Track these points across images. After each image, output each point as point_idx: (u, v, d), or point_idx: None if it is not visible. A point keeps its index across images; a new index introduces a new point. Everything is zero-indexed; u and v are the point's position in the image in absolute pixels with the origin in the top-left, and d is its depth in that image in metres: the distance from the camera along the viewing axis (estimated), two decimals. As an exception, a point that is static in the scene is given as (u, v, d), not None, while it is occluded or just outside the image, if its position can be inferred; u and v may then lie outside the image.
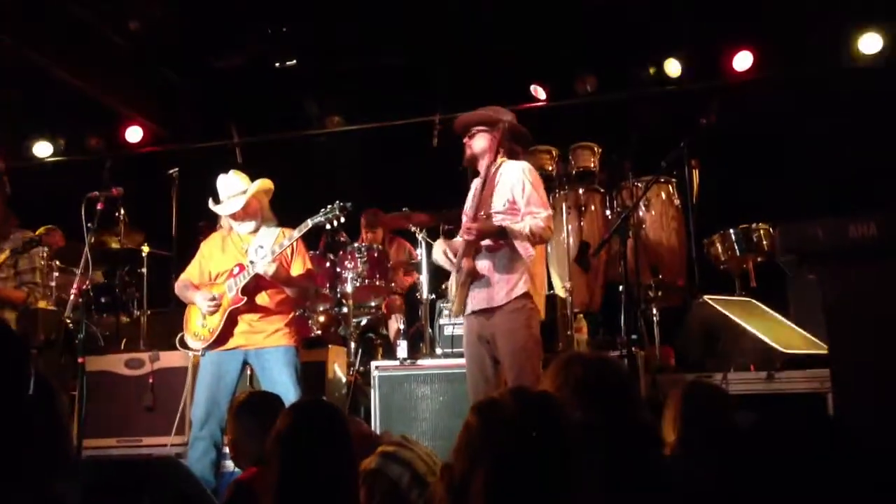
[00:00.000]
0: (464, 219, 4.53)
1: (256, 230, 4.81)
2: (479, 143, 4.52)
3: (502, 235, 4.24)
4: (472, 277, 4.32)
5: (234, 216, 4.78)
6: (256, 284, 4.65)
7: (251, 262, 4.63)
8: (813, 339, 5.19)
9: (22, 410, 1.11)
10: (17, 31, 6.94)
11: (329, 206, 4.65)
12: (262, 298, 4.69)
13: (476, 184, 4.56)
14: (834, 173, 6.83)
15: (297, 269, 4.76)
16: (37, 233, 6.75)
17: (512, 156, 4.54)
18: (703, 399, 3.20)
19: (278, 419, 2.42)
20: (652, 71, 7.75)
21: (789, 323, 5.54)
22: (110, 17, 7.42)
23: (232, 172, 4.87)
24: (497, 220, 4.30)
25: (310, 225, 4.65)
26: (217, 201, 4.82)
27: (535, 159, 5.93)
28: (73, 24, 7.27)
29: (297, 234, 4.67)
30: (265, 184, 4.85)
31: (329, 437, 2.33)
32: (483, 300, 4.31)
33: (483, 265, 4.32)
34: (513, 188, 4.34)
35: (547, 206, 4.36)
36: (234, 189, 4.77)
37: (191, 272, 4.91)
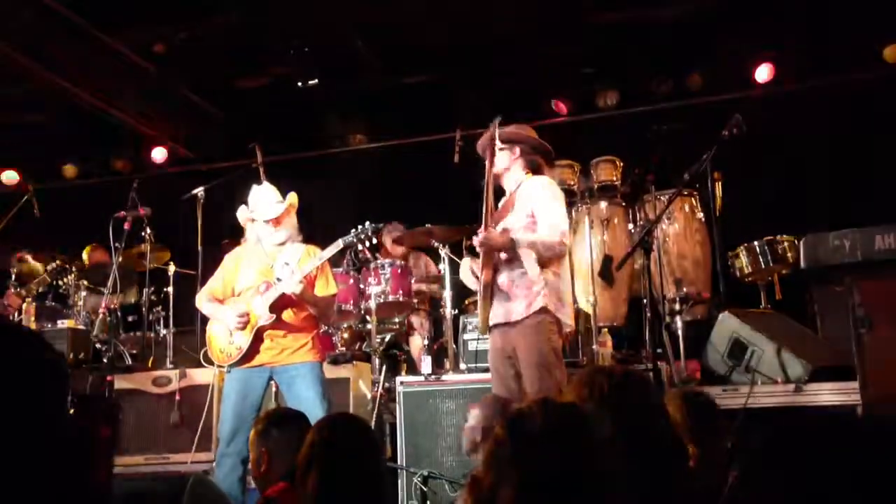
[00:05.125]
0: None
1: (285, 243, 4.84)
2: (500, 161, 4.53)
3: (513, 249, 4.25)
4: (492, 292, 4.33)
5: (274, 221, 4.80)
6: (283, 302, 4.68)
7: (278, 280, 4.65)
8: (840, 350, 5.14)
9: (65, 427, 1.13)
10: (43, 56, 7.05)
11: (360, 227, 4.68)
12: (289, 315, 4.71)
13: (501, 201, 4.59)
14: (859, 184, 6.77)
15: (321, 289, 4.77)
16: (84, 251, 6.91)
17: (535, 170, 4.57)
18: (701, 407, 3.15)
19: (309, 434, 2.43)
20: (673, 84, 7.74)
21: (816, 335, 5.50)
22: (135, 39, 7.52)
23: (266, 183, 4.94)
24: (518, 235, 4.31)
25: (341, 245, 4.68)
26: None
27: (558, 174, 5.93)
28: (98, 47, 7.38)
29: (327, 254, 4.68)
30: (294, 198, 4.90)
31: (361, 450, 2.35)
32: (502, 315, 4.32)
33: (502, 279, 4.33)
34: (531, 203, 4.36)
35: (564, 220, 4.37)
36: (272, 197, 4.83)
37: (213, 286, 4.91)
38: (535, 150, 4.59)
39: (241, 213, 4.88)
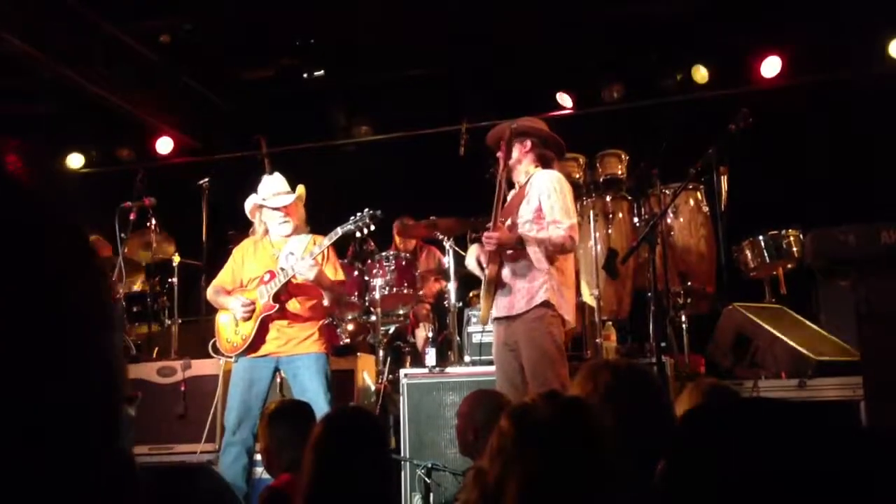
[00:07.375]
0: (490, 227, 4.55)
1: (291, 234, 4.85)
2: (511, 153, 4.54)
3: (521, 246, 4.25)
4: (496, 285, 4.35)
5: (286, 210, 4.81)
6: (288, 291, 4.69)
7: (282, 269, 4.66)
8: (844, 345, 5.14)
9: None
10: (48, 46, 7.05)
11: (359, 214, 4.69)
12: (294, 305, 4.73)
13: (511, 193, 4.60)
14: (865, 178, 6.76)
15: (330, 275, 4.80)
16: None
17: (545, 164, 4.57)
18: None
19: (315, 427, 2.43)
20: (679, 77, 7.72)
21: (820, 330, 5.49)
22: (141, 30, 7.52)
23: (277, 174, 4.96)
24: (524, 228, 4.32)
25: (339, 233, 4.69)
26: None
27: (563, 167, 5.90)
28: (105, 37, 7.38)
29: (327, 241, 4.70)
30: (302, 190, 4.92)
31: (366, 443, 2.35)
32: (504, 307, 4.35)
33: (506, 273, 4.36)
34: (540, 197, 4.37)
35: (572, 215, 4.37)
36: (283, 187, 4.85)
37: (223, 278, 4.95)
38: (547, 143, 4.60)
39: (251, 202, 4.89)
